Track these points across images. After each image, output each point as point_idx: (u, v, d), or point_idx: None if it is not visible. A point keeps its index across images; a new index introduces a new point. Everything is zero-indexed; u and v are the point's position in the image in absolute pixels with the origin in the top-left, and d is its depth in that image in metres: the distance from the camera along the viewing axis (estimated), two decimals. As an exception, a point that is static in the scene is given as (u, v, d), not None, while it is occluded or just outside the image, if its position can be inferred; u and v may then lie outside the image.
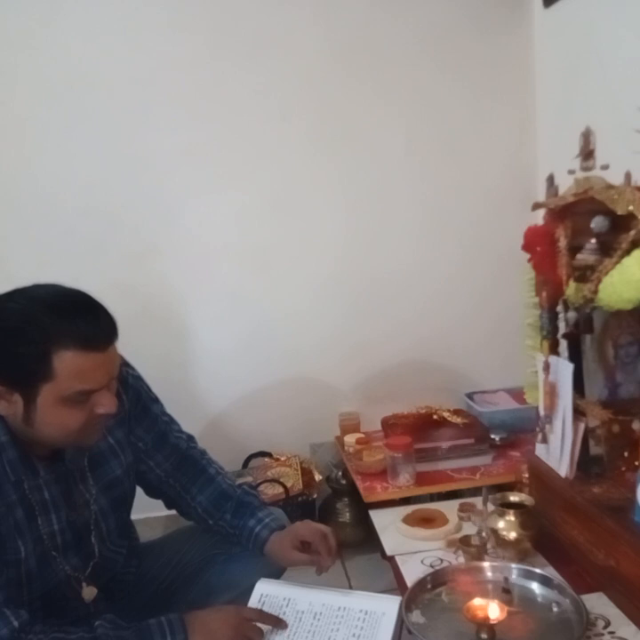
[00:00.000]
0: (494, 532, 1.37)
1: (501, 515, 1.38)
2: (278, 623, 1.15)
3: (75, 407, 1.04)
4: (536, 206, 1.44)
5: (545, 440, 1.47)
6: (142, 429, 1.30)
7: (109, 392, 1.08)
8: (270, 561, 1.29)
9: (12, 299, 1.05)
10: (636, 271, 1.09)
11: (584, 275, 1.24)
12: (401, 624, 1.14)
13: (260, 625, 1.13)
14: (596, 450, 1.39)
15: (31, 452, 1.10)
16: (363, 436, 2.19)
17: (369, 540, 1.91)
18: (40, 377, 1.01)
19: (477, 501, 1.54)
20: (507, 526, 1.37)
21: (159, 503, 1.40)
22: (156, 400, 1.36)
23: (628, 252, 1.12)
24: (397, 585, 1.40)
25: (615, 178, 1.19)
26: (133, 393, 1.28)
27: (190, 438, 1.41)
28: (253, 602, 1.21)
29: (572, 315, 1.31)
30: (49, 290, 1.07)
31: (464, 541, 1.41)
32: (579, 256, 1.25)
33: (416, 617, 1.16)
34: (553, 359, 1.40)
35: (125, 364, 1.29)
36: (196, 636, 1.07)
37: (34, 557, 1.10)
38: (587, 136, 1.29)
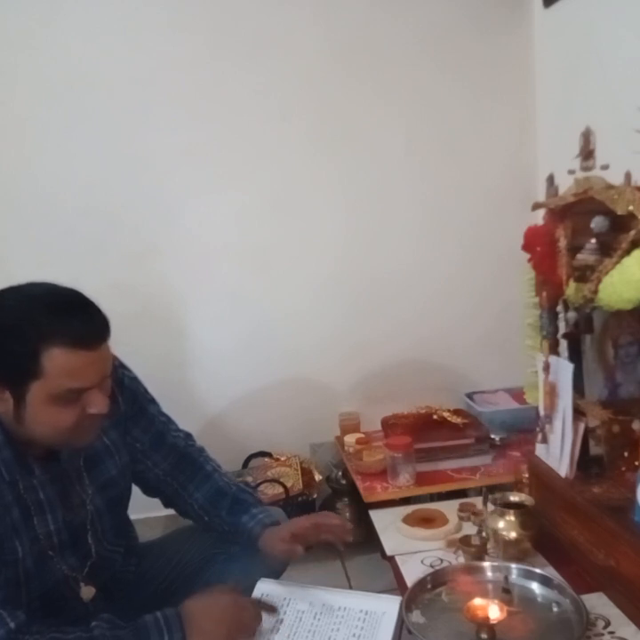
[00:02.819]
0: (494, 532, 1.38)
1: (501, 515, 1.38)
2: (273, 611, 1.18)
3: (65, 406, 1.04)
4: (536, 206, 1.44)
5: (545, 440, 1.47)
6: (139, 430, 1.31)
7: (101, 392, 1.07)
8: (266, 557, 1.30)
9: (3, 296, 1.05)
10: (636, 271, 1.09)
11: (584, 275, 1.24)
12: (401, 624, 1.14)
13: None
14: (596, 450, 1.39)
15: (27, 451, 1.10)
16: (363, 436, 2.19)
17: (369, 539, 1.91)
18: (29, 374, 1.01)
19: (477, 501, 1.54)
20: (507, 526, 1.37)
21: (158, 503, 1.40)
22: (152, 401, 1.36)
23: (627, 252, 1.12)
24: (397, 585, 1.40)
25: (615, 178, 1.19)
26: (129, 394, 1.29)
27: (188, 436, 1.42)
28: (253, 602, 1.22)
29: (571, 315, 1.31)
30: (41, 287, 1.06)
31: (464, 541, 1.41)
32: (579, 256, 1.25)
33: (416, 617, 1.16)
34: (553, 359, 1.40)
35: (121, 366, 1.29)
36: (193, 632, 1.06)
37: (31, 557, 1.10)
38: (587, 136, 1.29)
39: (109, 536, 1.25)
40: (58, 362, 1.01)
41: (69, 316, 1.03)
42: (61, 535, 1.15)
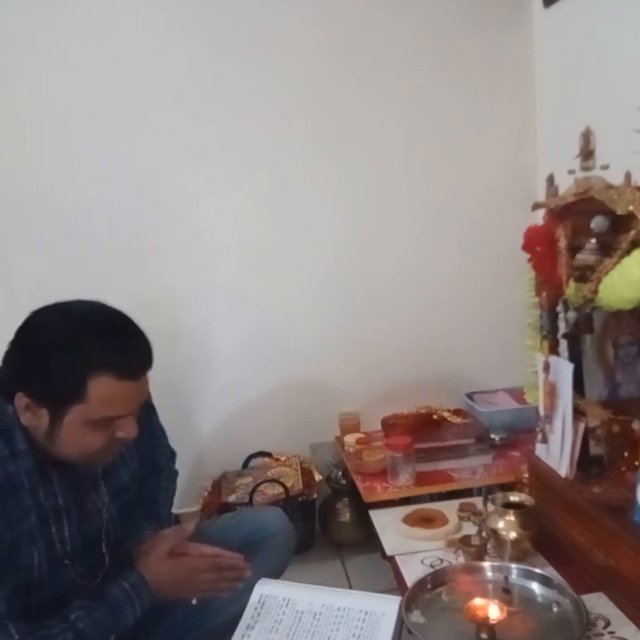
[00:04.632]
0: (494, 532, 1.37)
1: (501, 515, 1.38)
2: (235, 561, 1.21)
3: (98, 430, 1.05)
4: (536, 206, 1.44)
5: (545, 440, 1.47)
6: (144, 439, 1.31)
7: (133, 418, 1.09)
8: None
9: (54, 315, 1.05)
10: (636, 271, 1.09)
11: (584, 275, 1.24)
12: (401, 624, 1.14)
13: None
14: (596, 450, 1.40)
15: (47, 460, 1.09)
16: (363, 436, 2.19)
17: (369, 539, 1.91)
18: (73, 398, 1.02)
19: (477, 501, 1.54)
20: (507, 526, 1.37)
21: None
22: (154, 409, 1.39)
23: (628, 252, 1.12)
24: (397, 585, 1.40)
25: (615, 178, 1.19)
26: (144, 405, 1.29)
27: (172, 456, 1.44)
28: (253, 602, 1.22)
29: (571, 315, 1.31)
30: (91, 309, 1.08)
31: (464, 541, 1.41)
32: (579, 256, 1.25)
33: (416, 617, 1.16)
34: (553, 359, 1.40)
35: None
36: (159, 594, 1.15)
37: (46, 564, 1.09)
38: (587, 136, 1.30)
39: (122, 546, 1.25)
40: (103, 390, 1.02)
41: (120, 345, 1.04)
42: (74, 543, 1.14)
